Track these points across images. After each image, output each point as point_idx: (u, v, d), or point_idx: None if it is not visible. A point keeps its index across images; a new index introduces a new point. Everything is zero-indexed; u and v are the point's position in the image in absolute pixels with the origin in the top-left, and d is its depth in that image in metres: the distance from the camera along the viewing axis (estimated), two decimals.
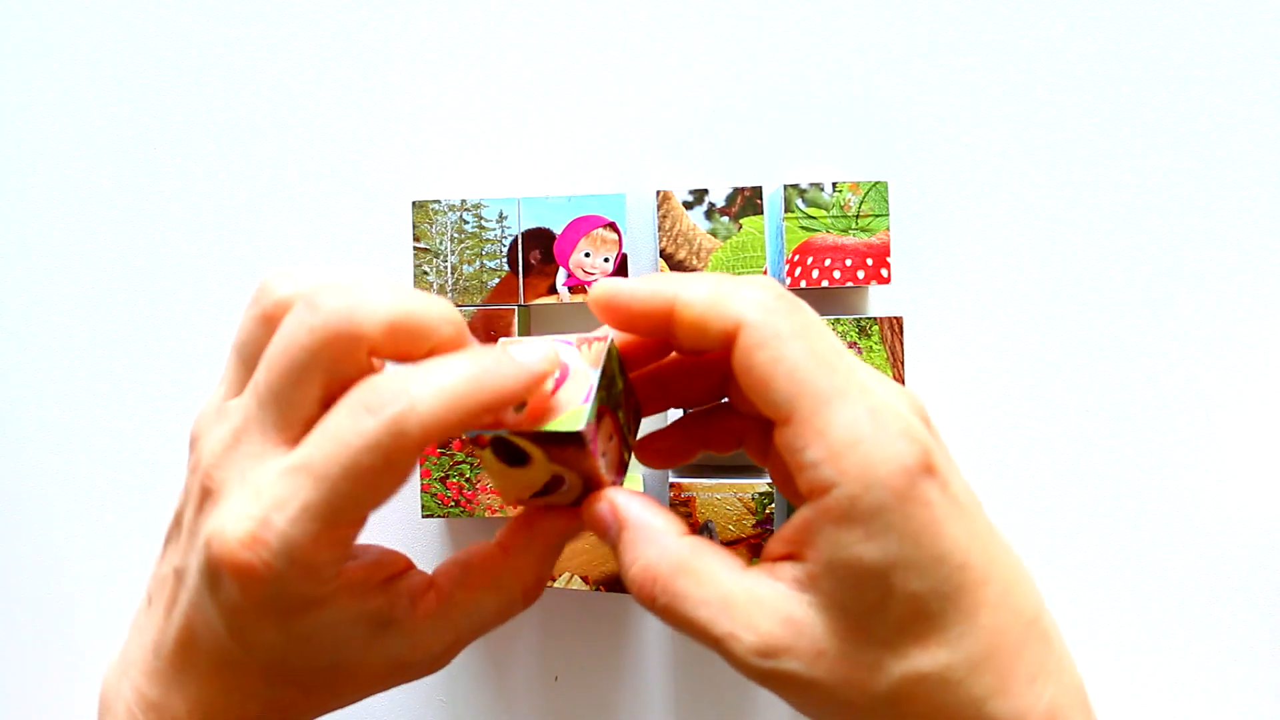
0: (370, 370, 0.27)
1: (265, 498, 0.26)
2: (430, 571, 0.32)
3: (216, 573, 0.26)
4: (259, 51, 0.49)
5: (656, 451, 0.34)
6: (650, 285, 0.28)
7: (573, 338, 0.30)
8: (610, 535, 0.29)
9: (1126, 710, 0.49)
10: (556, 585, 0.44)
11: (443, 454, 0.44)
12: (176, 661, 0.28)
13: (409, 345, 0.27)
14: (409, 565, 0.31)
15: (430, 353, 0.28)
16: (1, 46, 0.49)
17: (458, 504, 0.44)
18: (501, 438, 0.28)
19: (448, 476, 0.44)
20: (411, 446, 0.26)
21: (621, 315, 0.29)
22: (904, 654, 0.26)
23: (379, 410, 0.26)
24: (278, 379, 0.27)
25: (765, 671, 0.26)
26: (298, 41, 0.49)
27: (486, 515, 0.45)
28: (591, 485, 0.30)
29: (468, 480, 0.44)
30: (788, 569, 0.27)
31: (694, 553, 0.28)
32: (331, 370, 0.27)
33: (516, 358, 0.28)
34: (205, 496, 0.28)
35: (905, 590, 0.25)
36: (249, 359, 0.29)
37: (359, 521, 0.27)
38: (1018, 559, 0.28)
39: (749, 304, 0.27)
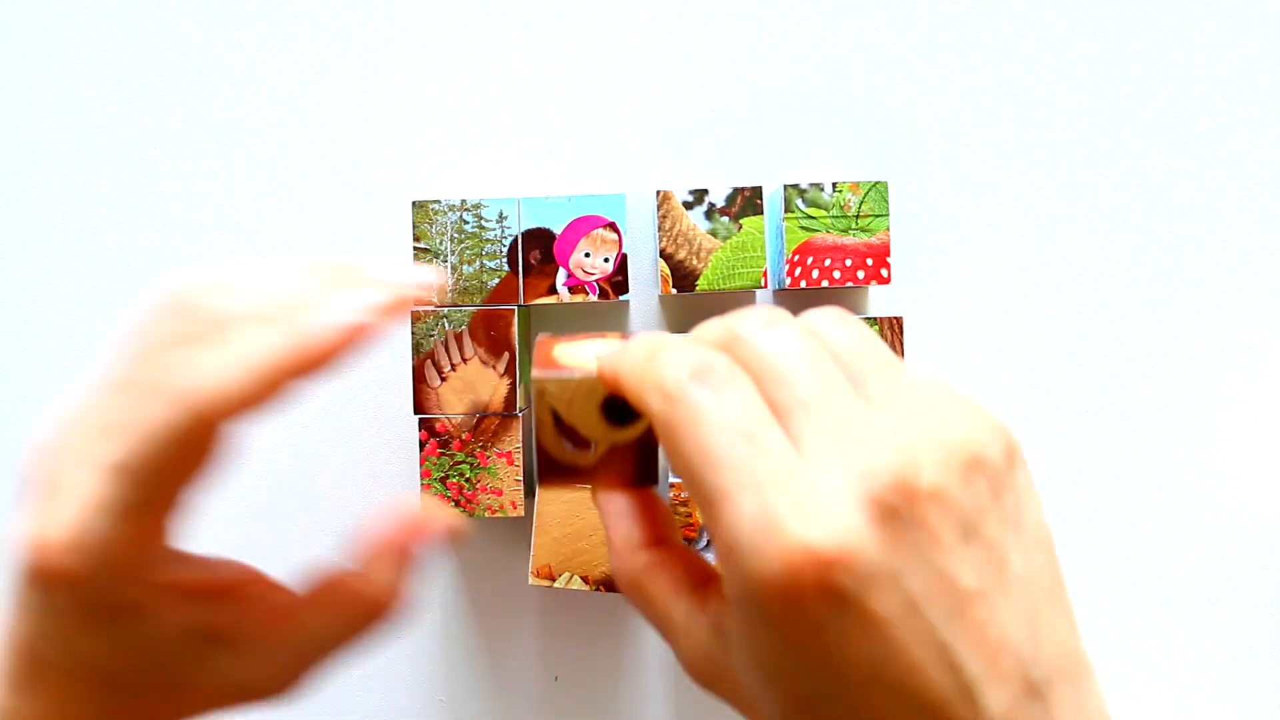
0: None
1: (65, 495, 0.25)
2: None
3: (31, 580, 0.25)
4: (259, 51, 0.49)
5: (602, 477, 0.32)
6: (609, 361, 0.28)
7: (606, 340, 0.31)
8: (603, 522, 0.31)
9: (1127, 710, 0.49)
10: (557, 585, 0.44)
11: (443, 454, 0.44)
12: (15, 677, 0.28)
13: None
14: (256, 578, 0.29)
15: None
16: (1, 46, 0.49)
17: (458, 504, 0.44)
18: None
19: (447, 476, 0.44)
20: (203, 424, 0.25)
21: (612, 387, 0.29)
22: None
23: (159, 391, 0.25)
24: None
25: (706, 689, 0.27)
26: (298, 41, 0.49)
27: (486, 515, 0.45)
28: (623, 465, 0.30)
29: (467, 480, 0.44)
30: (715, 606, 0.27)
31: (646, 573, 0.29)
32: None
33: (323, 304, 0.26)
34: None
35: (795, 686, 0.24)
36: None
37: (158, 510, 0.26)
38: (980, 672, 0.23)
39: (655, 393, 0.25)
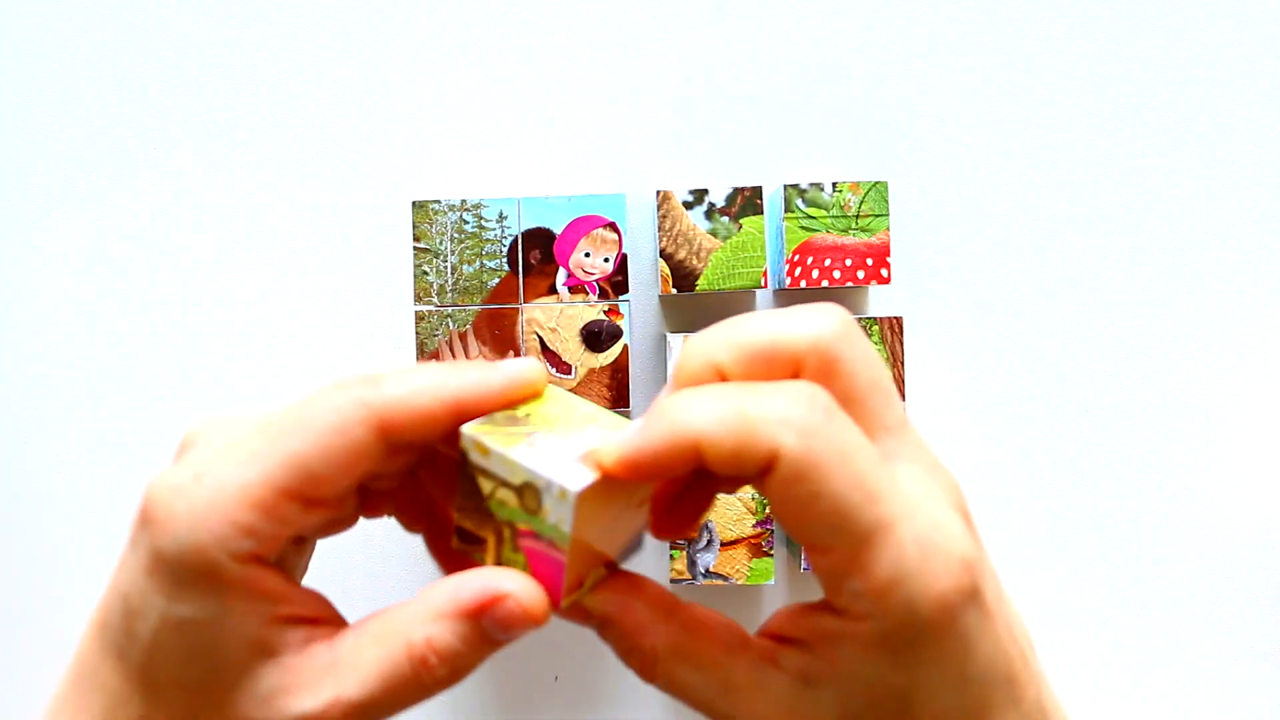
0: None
1: (216, 447, 0.26)
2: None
3: (142, 519, 0.25)
4: (259, 52, 0.49)
5: (669, 525, 0.30)
6: (665, 434, 0.24)
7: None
8: (590, 624, 0.28)
9: (1127, 710, 0.49)
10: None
11: None
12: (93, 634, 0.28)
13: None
14: (329, 619, 0.28)
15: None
16: (1, 46, 0.49)
17: None
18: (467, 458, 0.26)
19: None
20: (373, 420, 0.25)
21: (647, 472, 0.25)
22: None
23: (349, 386, 0.26)
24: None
25: None
26: (298, 42, 0.49)
27: None
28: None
29: None
30: (794, 658, 0.26)
31: (689, 634, 0.27)
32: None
33: (500, 366, 0.27)
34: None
35: (923, 710, 0.25)
36: None
37: (298, 498, 0.25)
38: (1022, 642, 0.27)
39: (784, 430, 0.23)
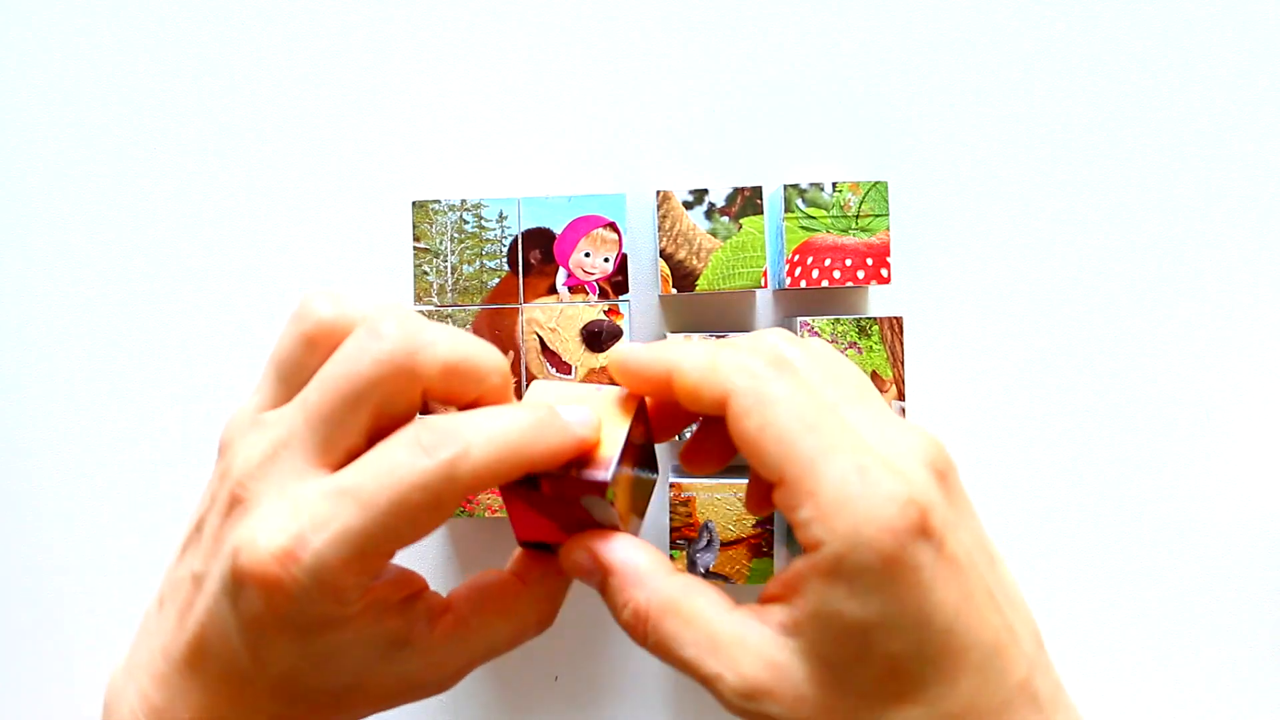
0: (419, 407, 0.28)
1: (304, 515, 0.26)
2: (444, 592, 0.32)
3: (240, 583, 0.26)
4: (259, 52, 0.49)
5: (694, 457, 0.34)
6: (653, 354, 0.30)
7: (595, 387, 0.31)
8: (594, 580, 0.30)
9: (1127, 711, 0.49)
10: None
11: None
12: (185, 669, 0.28)
13: (460, 388, 0.28)
14: (425, 585, 0.31)
15: (477, 400, 0.29)
16: (1, 46, 0.49)
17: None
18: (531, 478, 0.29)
19: None
20: (460, 490, 0.26)
21: (632, 380, 0.30)
22: (880, 709, 0.26)
23: (434, 450, 0.26)
24: (332, 401, 0.27)
25: (748, 711, 0.27)
26: (298, 42, 0.49)
27: (486, 515, 0.45)
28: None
29: None
30: (776, 612, 0.27)
31: (683, 593, 0.29)
32: (385, 402, 0.27)
33: (564, 418, 0.29)
34: (234, 504, 0.28)
35: (884, 649, 0.25)
36: (288, 375, 0.29)
37: (392, 554, 0.27)
38: (1014, 618, 0.27)
39: (737, 372, 0.28)
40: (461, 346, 0.28)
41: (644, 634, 0.29)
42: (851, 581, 0.25)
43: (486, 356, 0.29)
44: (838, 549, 0.25)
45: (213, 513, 0.29)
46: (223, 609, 0.27)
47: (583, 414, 0.29)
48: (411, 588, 0.30)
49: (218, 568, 0.27)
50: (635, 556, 0.29)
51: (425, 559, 0.49)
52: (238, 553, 0.26)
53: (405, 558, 0.49)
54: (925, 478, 0.26)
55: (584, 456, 0.29)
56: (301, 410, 0.28)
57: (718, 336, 0.43)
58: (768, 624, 0.27)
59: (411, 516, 0.26)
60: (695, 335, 0.45)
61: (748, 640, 0.27)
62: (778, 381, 0.27)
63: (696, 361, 0.29)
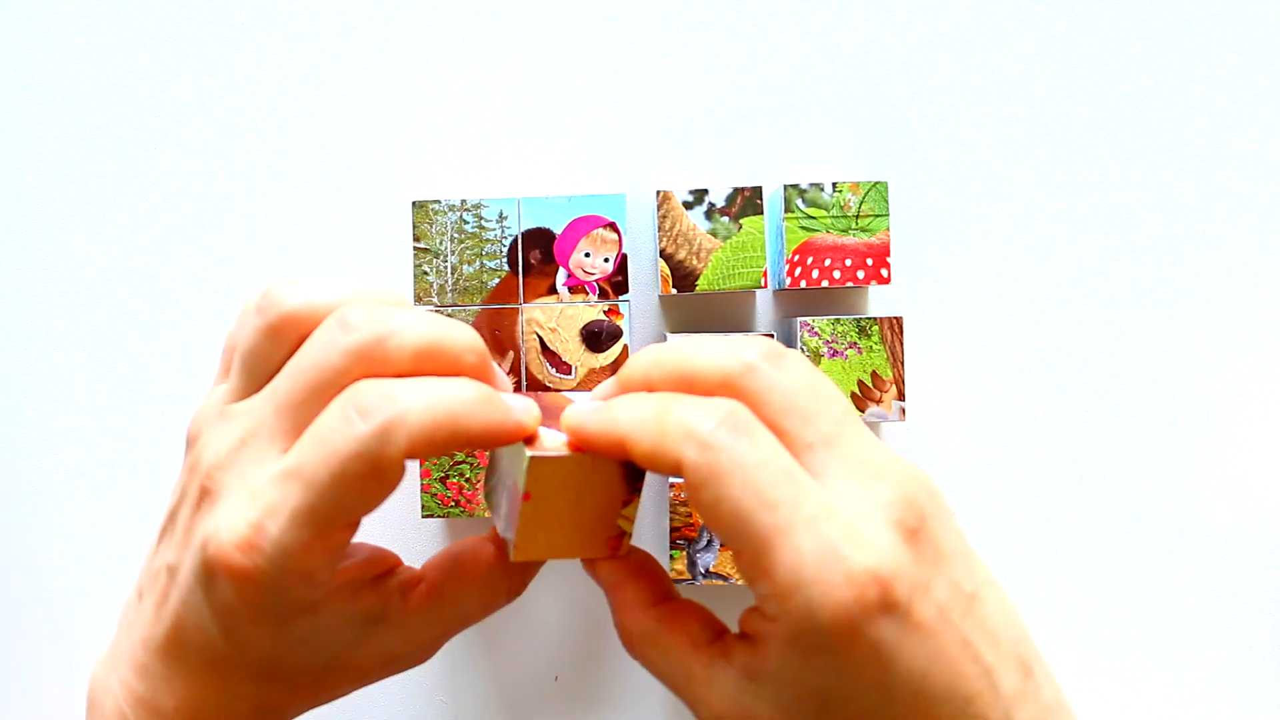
0: None
1: (260, 502, 0.26)
2: (418, 566, 0.32)
3: (211, 574, 0.26)
4: (259, 52, 0.49)
5: None
6: (601, 424, 0.28)
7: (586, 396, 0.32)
8: (601, 588, 0.32)
9: (1127, 711, 0.49)
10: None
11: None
12: (165, 657, 0.29)
13: (435, 372, 0.28)
14: (398, 561, 0.32)
15: None
16: (1, 47, 0.49)
17: (457, 504, 0.44)
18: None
19: (448, 476, 0.44)
20: (399, 455, 0.26)
21: (588, 448, 0.29)
22: None
23: (369, 416, 0.26)
24: (303, 392, 0.27)
25: None
26: (298, 42, 0.49)
27: (486, 515, 0.45)
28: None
29: (467, 480, 0.45)
30: (742, 655, 0.28)
31: (660, 625, 0.30)
32: None
33: (506, 401, 0.28)
34: (204, 496, 0.28)
35: (845, 711, 0.26)
36: (254, 367, 0.29)
37: (351, 526, 0.27)
38: (994, 659, 0.26)
39: (686, 441, 0.26)
40: (431, 331, 0.28)
41: (630, 650, 0.30)
42: (809, 657, 0.25)
43: (458, 337, 0.28)
44: (794, 629, 0.25)
45: (184, 505, 0.29)
46: (197, 599, 0.27)
47: (526, 403, 0.29)
48: (384, 565, 0.31)
49: (189, 560, 0.27)
50: (622, 586, 0.31)
51: (425, 559, 0.49)
52: (206, 544, 0.26)
53: (405, 558, 0.49)
54: (890, 541, 0.25)
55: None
56: (271, 401, 0.28)
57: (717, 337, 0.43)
58: (734, 666, 0.28)
59: (354, 486, 0.26)
60: (695, 336, 0.45)
61: (715, 680, 0.28)
62: (731, 449, 0.26)
63: (646, 431, 0.27)
